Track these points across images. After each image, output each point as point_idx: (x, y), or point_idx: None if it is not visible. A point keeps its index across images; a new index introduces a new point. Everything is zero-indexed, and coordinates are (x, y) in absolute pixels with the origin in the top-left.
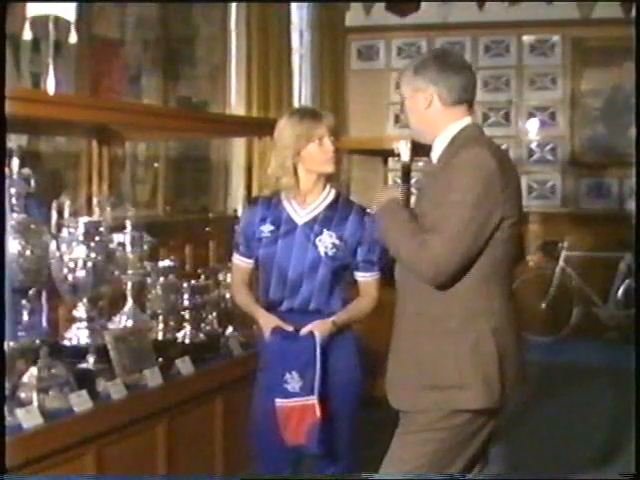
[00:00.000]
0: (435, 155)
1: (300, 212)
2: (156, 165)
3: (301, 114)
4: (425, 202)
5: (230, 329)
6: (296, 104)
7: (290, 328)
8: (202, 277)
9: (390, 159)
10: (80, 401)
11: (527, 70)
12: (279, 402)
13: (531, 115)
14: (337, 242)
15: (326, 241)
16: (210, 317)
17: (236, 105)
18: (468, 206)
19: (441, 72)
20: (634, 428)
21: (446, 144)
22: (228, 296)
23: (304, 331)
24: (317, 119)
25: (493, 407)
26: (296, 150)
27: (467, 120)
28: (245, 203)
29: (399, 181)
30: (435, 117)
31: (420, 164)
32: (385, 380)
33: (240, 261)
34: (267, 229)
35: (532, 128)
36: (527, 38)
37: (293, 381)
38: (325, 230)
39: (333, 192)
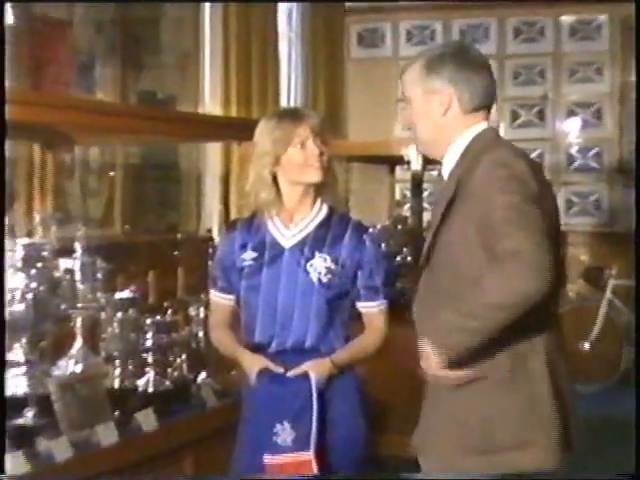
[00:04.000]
0: (446, 170)
1: (286, 233)
2: (112, 174)
3: (279, 114)
4: (449, 234)
5: (203, 375)
6: (284, 101)
7: (280, 369)
8: (169, 312)
9: (398, 167)
10: (15, 464)
11: (566, 58)
12: (268, 459)
13: (571, 113)
14: (332, 266)
15: (319, 266)
16: (179, 360)
17: (211, 102)
18: (518, 203)
19: (461, 70)
20: (634, 428)
21: (459, 155)
22: (201, 334)
23: (296, 372)
24: (297, 119)
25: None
26: (275, 157)
27: (483, 125)
28: (221, 221)
29: (409, 194)
30: (450, 125)
31: (434, 173)
32: (411, 436)
33: (219, 298)
34: (249, 257)
35: (572, 129)
36: (566, 19)
37: (284, 433)
38: (317, 253)
39: (325, 208)
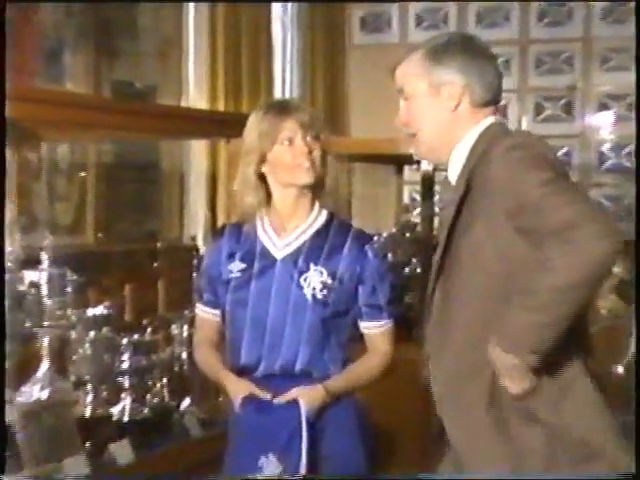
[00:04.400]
0: (453, 173)
1: (278, 242)
2: (84, 175)
3: (267, 106)
4: (468, 237)
5: (186, 402)
6: (278, 93)
7: (267, 396)
8: (148, 330)
9: (406, 168)
10: None
11: (597, 44)
12: None
13: (603, 106)
14: (329, 281)
15: (314, 280)
16: (159, 385)
17: (195, 94)
18: (552, 177)
19: (472, 59)
20: (634, 428)
21: (466, 155)
22: (184, 356)
23: (284, 399)
24: (284, 112)
25: None
26: (260, 154)
27: (490, 120)
28: (207, 228)
29: (418, 197)
30: (459, 122)
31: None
32: (425, 472)
33: (205, 313)
34: (237, 267)
35: (604, 124)
36: None
37: (270, 466)
38: (312, 265)
39: (324, 213)
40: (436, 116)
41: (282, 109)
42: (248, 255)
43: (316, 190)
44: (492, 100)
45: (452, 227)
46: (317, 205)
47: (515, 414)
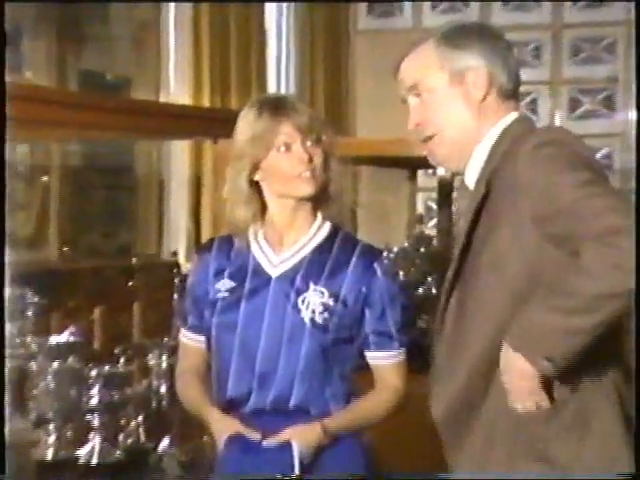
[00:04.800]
0: (471, 177)
1: (274, 259)
2: (46, 180)
3: (261, 104)
4: (490, 246)
5: (165, 442)
6: (272, 87)
7: (257, 435)
8: (121, 360)
9: (420, 172)
10: None
11: None
12: None
13: None
14: (331, 303)
15: (314, 301)
16: (134, 423)
17: (177, 88)
18: (589, 178)
19: (492, 42)
20: (634, 428)
21: (487, 154)
22: (163, 390)
23: (275, 440)
24: (280, 113)
25: None
26: (253, 161)
27: (514, 115)
28: (191, 242)
29: (434, 206)
30: (485, 116)
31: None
32: None
33: (189, 340)
34: (225, 286)
35: None
36: None
37: None
38: (312, 284)
39: (327, 226)
40: (461, 110)
41: (278, 109)
42: (239, 272)
43: (318, 199)
44: (515, 91)
45: (469, 235)
46: (319, 216)
47: (523, 448)
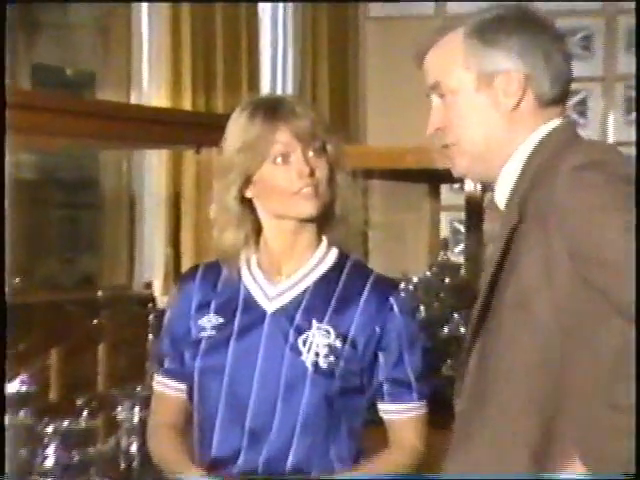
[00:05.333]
0: (502, 195)
1: (270, 290)
2: None
3: (253, 108)
4: (520, 282)
5: None
6: (266, 86)
7: None
8: (84, 413)
9: (444, 187)
10: None
11: None
12: None
13: None
14: (337, 344)
15: (317, 342)
16: None
17: (151, 86)
18: (631, 221)
19: (534, 38)
20: (634, 428)
21: (519, 170)
22: (134, 449)
23: None
24: (276, 116)
25: None
26: (244, 175)
27: (556, 122)
28: (168, 271)
29: (462, 228)
30: (517, 126)
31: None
32: None
33: (165, 387)
34: (211, 323)
35: None
36: None
37: None
38: (315, 322)
39: (334, 252)
40: (488, 118)
41: (273, 112)
42: (227, 306)
43: (322, 220)
44: (561, 95)
45: (498, 268)
46: (324, 240)
47: None
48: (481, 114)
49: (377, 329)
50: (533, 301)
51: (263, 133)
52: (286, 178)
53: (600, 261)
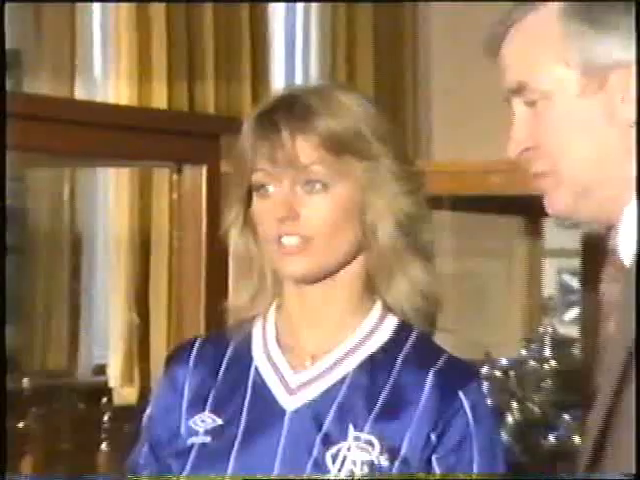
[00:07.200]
0: (627, 244)
1: (291, 378)
2: None
3: (260, 110)
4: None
5: None
6: (278, 78)
7: None
8: None
9: (548, 222)
10: None
11: None
12: None
13: None
14: (383, 462)
15: (353, 458)
16: None
17: (105, 71)
18: None
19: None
20: (634, 428)
21: None
22: None
23: None
24: (262, 128)
25: None
26: (242, 206)
27: None
28: (132, 350)
29: (575, 284)
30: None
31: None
32: None
33: None
34: (205, 424)
35: None
36: None
37: None
38: (353, 429)
39: (392, 323)
40: (597, 134)
41: (270, 117)
42: (230, 399)
43: (373, 275)
44: None
45: (627, 360)
46: (378, 304)
47: None
48: (589, 128)
49: (433, 438)
50: None
51: (248, 151)
52: (264, 219)
53: None
